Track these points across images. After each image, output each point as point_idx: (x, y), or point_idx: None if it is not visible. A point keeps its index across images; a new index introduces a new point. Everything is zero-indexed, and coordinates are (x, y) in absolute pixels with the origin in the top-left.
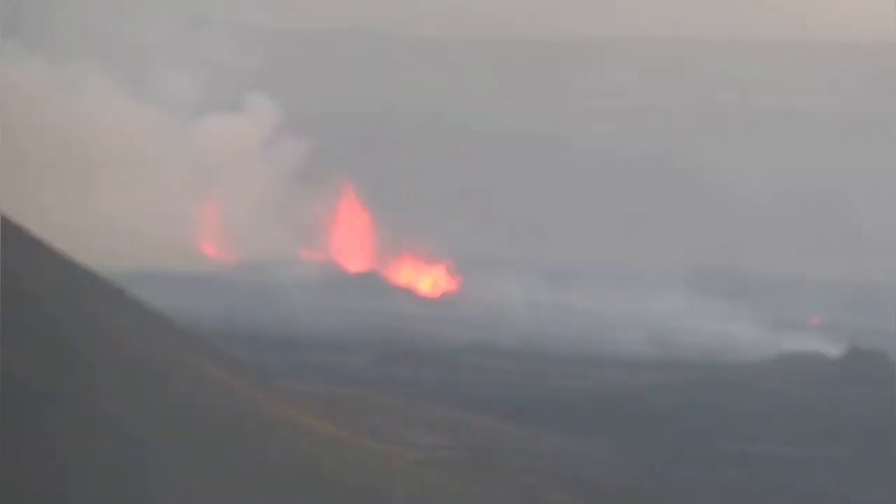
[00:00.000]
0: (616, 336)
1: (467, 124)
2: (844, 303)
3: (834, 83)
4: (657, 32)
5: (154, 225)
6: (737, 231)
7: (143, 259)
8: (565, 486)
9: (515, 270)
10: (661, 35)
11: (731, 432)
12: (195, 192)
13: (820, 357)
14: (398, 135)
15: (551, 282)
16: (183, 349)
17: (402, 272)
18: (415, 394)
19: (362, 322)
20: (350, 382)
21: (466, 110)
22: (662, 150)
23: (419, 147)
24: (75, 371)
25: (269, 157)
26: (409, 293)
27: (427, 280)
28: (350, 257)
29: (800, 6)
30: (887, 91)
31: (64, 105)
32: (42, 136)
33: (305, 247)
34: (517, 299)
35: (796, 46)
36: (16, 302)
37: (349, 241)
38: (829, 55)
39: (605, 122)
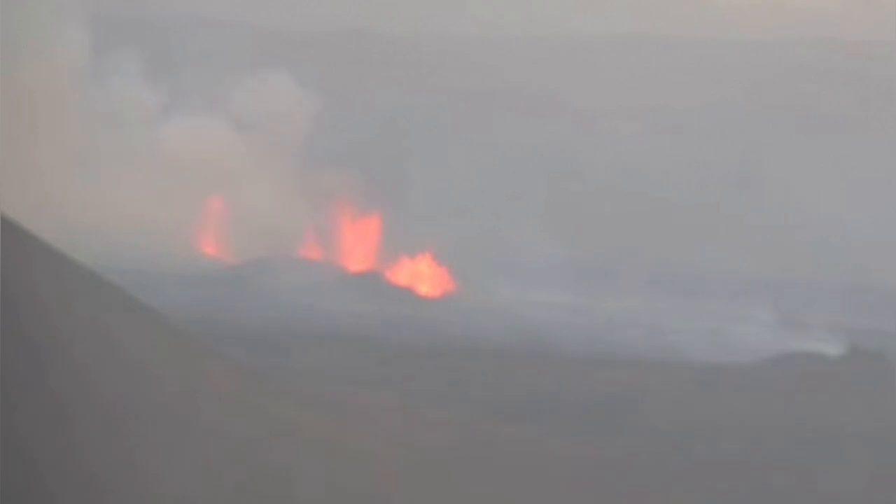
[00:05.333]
0: (616, 336)
1: (469, 124)
2: (844, 303)
3: (834, 81)
4: (656, 32)
5: (154, 224)
6: (736, 230)
7: (143, 259)
8: (565, 486)
9: (516, 270)
10: (660, 34)
11: (730, 433)
12: (195, 191)
13: (820, 357)
14: (399, 135)
15: (552, 281)
16: (182, 349)
17: (402, 272)
18: (415, 394)
19: (362, 322)
20: (350, 382)
21: (468, 110)
22: (663, 149)
23: (420, 147)
24: (75, 371)
25: (270, 155)
26: (409, 293)
27: (427, 280)
28: (350, 257)
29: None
30: (885, 90)
31: (66, 101)
32: (42, 133)
33: (305, 247)
34: (517, 299)
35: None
36: (16, 302)
37: (349, 240)
38: (830, 53)
39: (606, 121)
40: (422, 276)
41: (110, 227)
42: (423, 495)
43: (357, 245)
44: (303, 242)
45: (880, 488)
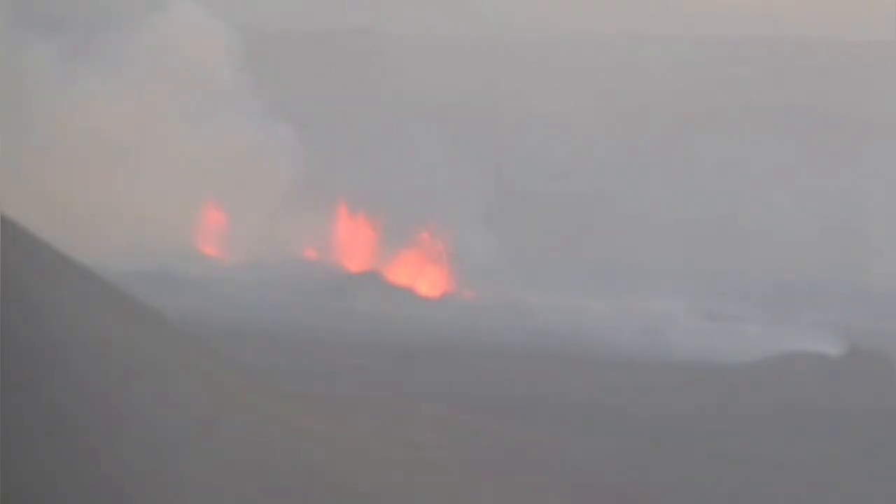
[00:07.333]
0: (615, 336)
1: (468, 125)
2: (844, 303)
3: (834, 81)
4: (647, 31)
5: (154, 224)
6: (736, 230)
7: (143, 259)
8: (565, 486)
9: (516, 270)
10: (651, 34)
11: (730, 432)
12: (195, 191)
13: (820, 357)
14: (399, 135)
15: (552, 281)
16: (182, 349)
17: (402, 272)
18: (415, 394)
19: (362, 322)
20: (350, 382)
21: (468, 110)
22: (662, 148)
23: (420, 147)
24: (75, 371)
25: (270, 156)
26: (409, 293)
27: (427, 280)
28: (350, 257)
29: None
30: (885, 90)
31: (66, 100)
32: (42, 131)
33: (305, 247)
34: (518, 299)
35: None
36: (16, 302)
37: (349, 240)
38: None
39: (605, 119)
40: (422, 275)
41: (110, 227)
42: (423, 495)
43: (358, 245)
44: (303, 242)
45: (881, 486)
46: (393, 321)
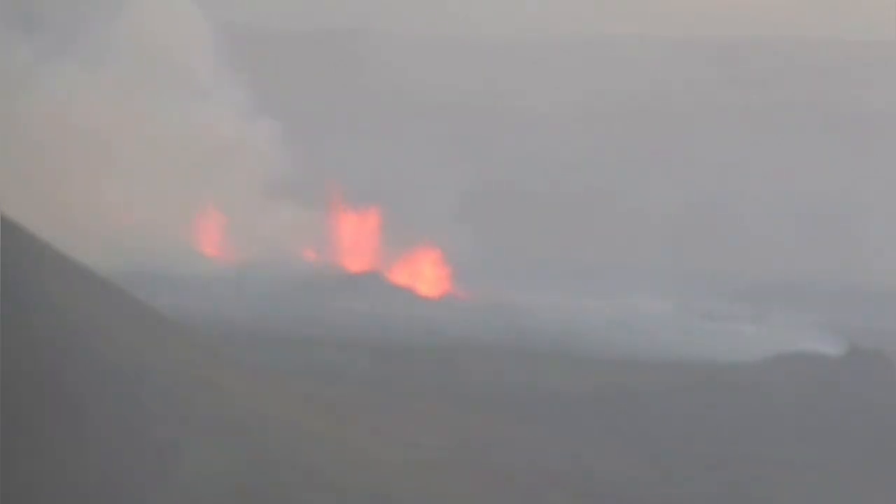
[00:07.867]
0: (614, 335)
1: (468, 124)
2: (844, 303)
3: (839, 81)
4: (657, 31)
5: (154, 225)
6: (735, 230)
7: (143, 259)
8: (565, 485)
9: (515, 269)
10: (650, 34)
11: (730, 433)
12: (195, 191)
13: (820, 357)
14: (399, 135)
15: (551, 280)
16: (183, 349)
17: (402, 272)
18: (415, 394)
19: (362, 322)
20: (350, 382)
21: (467, 110)
22: (662, 149)
23: (420, 147)
24: (75, 371)
25: (270, 156)
26: (409, 293)
27: (427, 280)
28: (350, 257)
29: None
30: (885, 90)
31: (59, 100)
32: (37, 130)
33: (305, 247)
34: (517, 299)
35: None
36: (16, 302)
37: (349, 240)
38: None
39: (605, 120)
40: (422, 275)
41: (110, 228)
42: (423, 495)
43: (358, 245)
44: (303, 242)
45: (880, 486)
46: (393, 321)
